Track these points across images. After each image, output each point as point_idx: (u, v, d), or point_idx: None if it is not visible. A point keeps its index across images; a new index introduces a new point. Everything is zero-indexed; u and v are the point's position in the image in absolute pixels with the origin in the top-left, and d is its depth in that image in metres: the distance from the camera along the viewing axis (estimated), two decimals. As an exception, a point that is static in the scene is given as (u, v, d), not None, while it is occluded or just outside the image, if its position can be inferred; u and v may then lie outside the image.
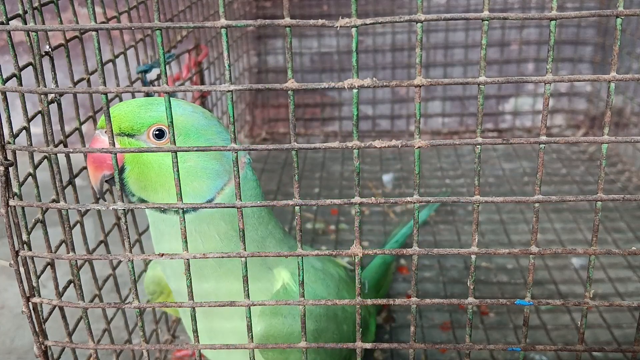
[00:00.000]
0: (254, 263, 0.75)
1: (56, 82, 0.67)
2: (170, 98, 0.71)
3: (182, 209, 0.56)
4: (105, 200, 0.72)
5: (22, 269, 0.62)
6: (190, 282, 0.59)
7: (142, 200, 0.70)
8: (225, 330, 0.77)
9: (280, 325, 0.74)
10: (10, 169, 0.58)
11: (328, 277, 0.83)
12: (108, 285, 0.97)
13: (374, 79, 0.51)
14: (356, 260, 0.58)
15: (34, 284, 0.64)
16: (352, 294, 0.87)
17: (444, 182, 1.71)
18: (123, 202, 0.57)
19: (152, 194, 0.70)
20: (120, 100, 0.91)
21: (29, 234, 0.63)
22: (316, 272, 0.82)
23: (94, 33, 0.52)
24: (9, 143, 0.59)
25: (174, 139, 0.55)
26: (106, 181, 0.70)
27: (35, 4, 0.68)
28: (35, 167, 0.67)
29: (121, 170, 0.69)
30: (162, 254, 0.59)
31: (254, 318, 0.73)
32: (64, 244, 0.70)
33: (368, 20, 0.50)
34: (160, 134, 0.69)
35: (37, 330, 0.65)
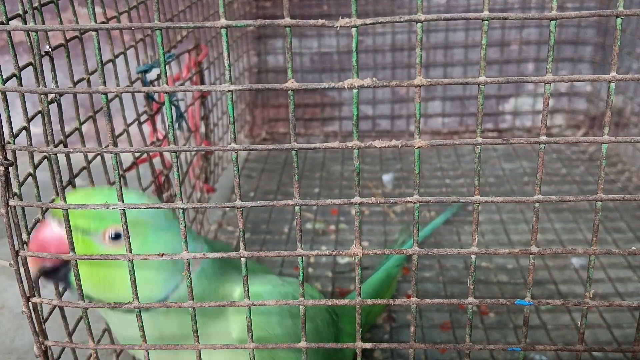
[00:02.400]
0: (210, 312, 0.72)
1: (56, 82, 0.67)
2: (132, 192, 0.71)
3: (183, 209, 0.56)
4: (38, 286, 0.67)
5: (22, 269, 0.62)
6: (190, 282, 0.60)
7: (89, 297, 0.66)
8: None
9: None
10: (10, 169, 0.58)
11: (294, 285, 0.80)
12: (108, 285, 0.97)
13: (374, 79, 0.51)
14: (356, 260, 0.58)
15: (34, 284, 0.64)
16: (324, 315, 0.86)
17: (444, 182, 1.71)
18: (122, 202, 0.57)
19: (102, 294, 0.67)
20: (121, 100, 0.91)
21: (29, 234, 0.63)
22: (277, 283, 0.79)
23: (94, 33, 0.52)
24: (9, 143, 0.59)
25: (174, 134, 0.55)
26: (45, 273, 0.66)
27: (35, 4, 0.68)
28: (35, 167, 0.67)
29: (64, 264, 0.65)
30: (162, 254, 0.59)
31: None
32: (64, 244, 0.70)
33: (368, 20, 0.50)
34: (117, 236, 0.65)
35: (37, 330, 0.65)
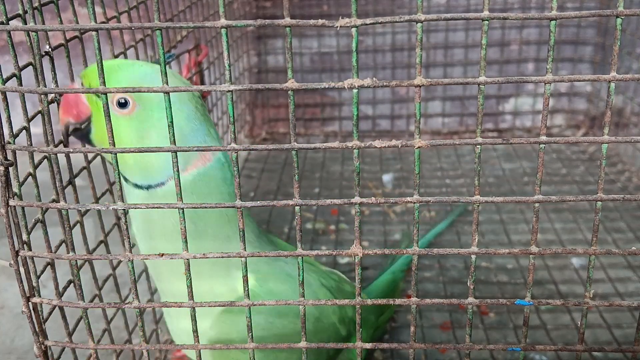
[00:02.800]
0: (217, 263, 0.75)
1: (56, 82, 0.67)
2: (149, 64, 0.72)
3: (182, 208, 0.56)
4: (68, 145, 0.73)
5: (22, 269, 0.62)
6: (190, 282, 0.59)
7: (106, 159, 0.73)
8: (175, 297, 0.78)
9: (233, 325, 0.75)
10: (10, 169, 0.58)
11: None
12: (108, 285, 0.97)
13: (374, 79, 0.51)
14: (356, 260, 0.58)
15: (34, 284, 0.64)
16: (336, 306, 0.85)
17: (444, 182, 1.71)
18: (123, 202, 0.57)
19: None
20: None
21: (29, 234, 0.63)
22: (287, 278, 0.79)
23: (94, 33, 0.52)
24: (9, 143, 0.59)
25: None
26: (74, 132, 0.72)
27: (35, 4, 0.68)
28: (35, 167, 0.67)
29: (87, 124, 0.71)
30: (162, 254, 0.59)
31: (207, 318, 0.74)
32: (64, 244, 0.70)
33: (368, 20, 0.50)
34: (124, 104, 0.69)
35: (37, 330, 0.65)
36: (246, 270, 0.58)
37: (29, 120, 0.66)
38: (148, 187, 0.72)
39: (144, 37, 1.03)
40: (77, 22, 0.69)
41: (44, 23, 0.68)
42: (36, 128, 0.72)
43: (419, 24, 0.50)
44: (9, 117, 0.58)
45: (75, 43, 0.81)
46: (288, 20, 0.50)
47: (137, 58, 1.00)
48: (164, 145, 0.68)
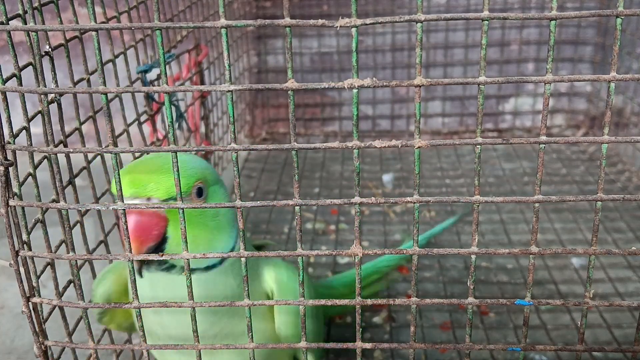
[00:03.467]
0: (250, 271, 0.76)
1: (56, 82, 0.67)
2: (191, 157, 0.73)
3: (182, 208, 0.56)
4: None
5: (22, 269, 0.62)
6: (191, 282, 0.59)
7: (172, 266, 0.68)
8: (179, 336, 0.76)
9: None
10: (10, 169, 0.58)
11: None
12: (108, 285, 0.97)
13: (374, 79, 0.51)
14: (356, 260, 0.58)
15: (34, 284, 0.64)
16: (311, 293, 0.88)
17: (444, 182, 1.71)
18: (123, 202, 0.57)
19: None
20: (121, 100, 0.90)
21: (29, 234, 0.63)
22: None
23: (94, 33, 0.52)
24: (9, 143, 0.59)
25: (174, 134, 0.55)
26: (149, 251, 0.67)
27: (35, 4, 0.68)
28: (35, 167, 0.67)
29: (164, 240, 0.66)
30: (162, 254, 0.59)
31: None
32: (64, 244, 0.70)
33: (368, 20, 0.50)
34: (199, 191, 0.69)
35: (37, 330, 0.65)
36: (246, 270, 0.58)
37: (29, 120, 0.66)
38: (207, 268, 0.70)
39: (144, 37, 1.03)
40: (77, 22, 0.69)
41: (44, 23, 0.68)
42: (36, 128, 0.72)
43: (419, 24, 0.50)
44: (9, 117, 0.58)
45: (75, 43, 0.81)
46: (288, 20, 0.50)
47: (137, 58, 1.00)
48: (230, 222, 0.72)
